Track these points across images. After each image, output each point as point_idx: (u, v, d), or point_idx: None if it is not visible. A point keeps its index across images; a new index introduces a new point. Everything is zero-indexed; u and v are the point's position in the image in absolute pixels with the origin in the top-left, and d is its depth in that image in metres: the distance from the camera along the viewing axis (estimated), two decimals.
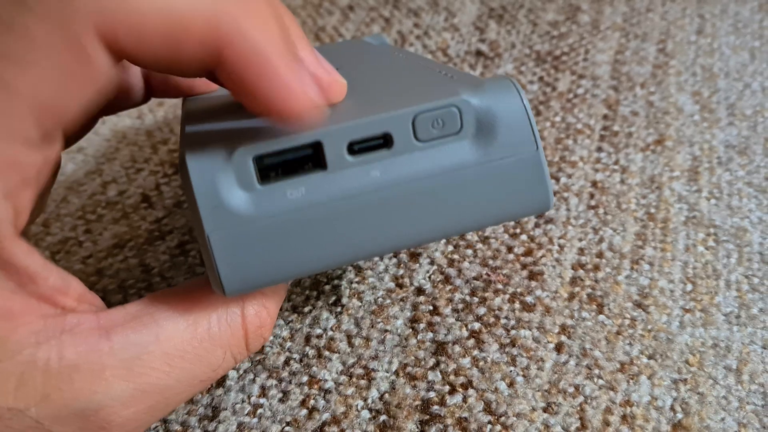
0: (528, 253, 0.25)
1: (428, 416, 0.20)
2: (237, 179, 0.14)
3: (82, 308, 0.14)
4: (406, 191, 0.15)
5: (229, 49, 0.13)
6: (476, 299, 0.23)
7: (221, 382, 0.21)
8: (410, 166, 0.15)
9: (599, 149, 0.29)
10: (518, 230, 0.26)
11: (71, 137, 0.18)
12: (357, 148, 0.15)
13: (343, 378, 0.21)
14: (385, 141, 0.15)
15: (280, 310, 0.23)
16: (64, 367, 0.13)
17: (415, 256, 0.25)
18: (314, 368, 0.21)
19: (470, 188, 0.15)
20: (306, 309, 0.23)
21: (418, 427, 0.20)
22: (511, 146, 0.16)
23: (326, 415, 0.20)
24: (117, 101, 0.21)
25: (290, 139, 0.14)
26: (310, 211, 0.14)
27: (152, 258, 0.25)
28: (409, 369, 0.21)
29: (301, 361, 0.22)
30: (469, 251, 0.25)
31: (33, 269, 0.13)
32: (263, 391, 0.21)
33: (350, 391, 0.21)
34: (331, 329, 0.22)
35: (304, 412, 0.20)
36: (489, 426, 0.20)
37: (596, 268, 0.24)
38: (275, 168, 0.14)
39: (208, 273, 0.15)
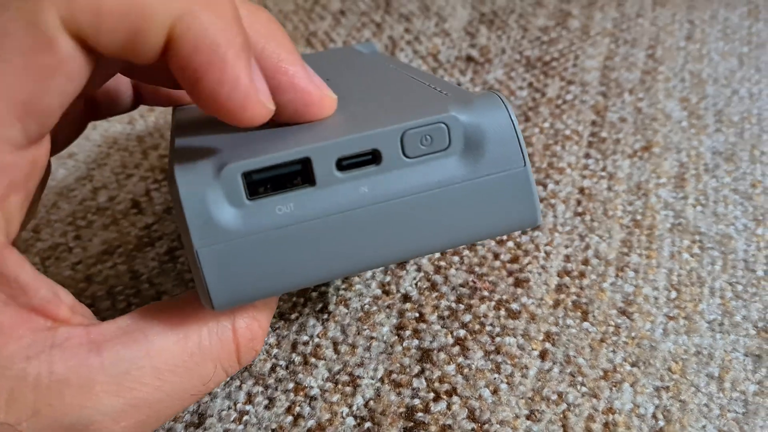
0: (514, 260, 0.25)
1: (412, 423, 0.20)
2: (226, 195, 0.14)
3: (73, 320, 0.14)
4: (395, 207, 0.15)
5: (184, 35, 0.13)
6: (462, 306, 0.23)
7: None
8: (399, 183, 0.15)
9: (587, 155, 0.29)
10: (505, 237, 0.26)
11: (60, 140, 0.18)
12: (346, 164, 0.15)
13: (329, 385, 0.21)
14: (373, 157, 0.15)
15: None
16: (54, 382, 0.13)
17: (401, 263, 0.25)
18: (300, 375, 0.21)
19: (458, 204, 0.16)
20: (293, 316, 0.23)
21: None
22: (499, 162, 0.16)
23: (311, 422, 0.20)
24: (105, 106, 0.21)
25: (279, 154, 0.14)
26: (299, 226, 0.15)
27: (141, 264, 0.25)
28: (394, 376, 0.21)
29: (287, 367, 0.22)
30: (456, 258, 0.25)
31: (24, 281, 0.13)
32: (249, 398, 0.21)
33: (336, 398, 0.21)
34: (318, 336, 0.23)
35: (290, 418, 0.20)
36: None
37: (582, 275, 0.24)
38: (264, 183, 0.15)
39: (197, 287, 0.15)
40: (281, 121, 0.16)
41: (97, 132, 0.33)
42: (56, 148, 0.18)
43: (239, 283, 0.15)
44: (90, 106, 0.20)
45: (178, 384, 0.15)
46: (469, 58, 0.35)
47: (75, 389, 0.13)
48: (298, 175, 0.15)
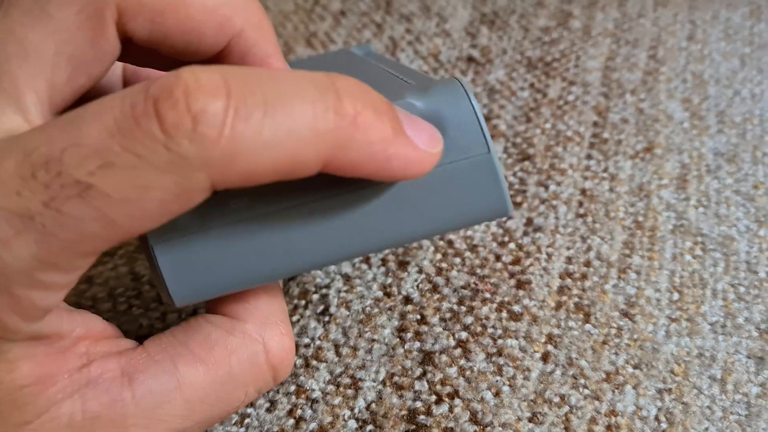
0: (516, 261, 0.25)
1: (414, 426, 0.20)
2: None
3: (102, 346, 0.15)
4: (353, 198, 0.15)
5: (341, 159, 0.13)
6: (464, 308, 0.23)
7: None
8: None
9: (589, 157, 0.29)
10: (507, 239, 0.26)
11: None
12: None
13: (331, 387, 0.21)
14: None
15: None
16: (87, 420, 0.14)
17: (403, 265, 0.25)
18: (302, 378, 0.21)
19: (422, 193, 0.15)
20: (294, 318, 0.23)
21: None
22: (461, 149, 0.15)
23: (313, 425, 0.20)
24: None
25: None
26: (255, 220, 0.14)
27: (142, 266, 0.25)
28: (396, 378, 0.21)
29: None
30: (458, 260, 0.25)
31: (61, 330, 0.14)
32: (251, 401, 0.21)
33: (337, 400, 0.21)
34: (319, 339, 0.23)
35: (291, 421, 0.20)
36: None
37: (584, 277, 0.24)
38: None
39: (157, 285, 0.15)
40: None
41: None
42: None
43: (197, 278, 0.14)
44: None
45: (208, 412, 0.15)
46: (470, 59, 0.35)
47: (107, 424, 0.14)
48: None
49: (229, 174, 0.12)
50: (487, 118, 0.31)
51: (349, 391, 0.21)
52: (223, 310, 0.16)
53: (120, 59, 0.16)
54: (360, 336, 0.23)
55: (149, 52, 0.15)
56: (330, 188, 0.15)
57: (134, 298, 0.24)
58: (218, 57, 0.16)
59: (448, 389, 0.21)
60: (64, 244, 0.11)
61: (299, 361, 0.22)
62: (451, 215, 0.16)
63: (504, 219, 0.26)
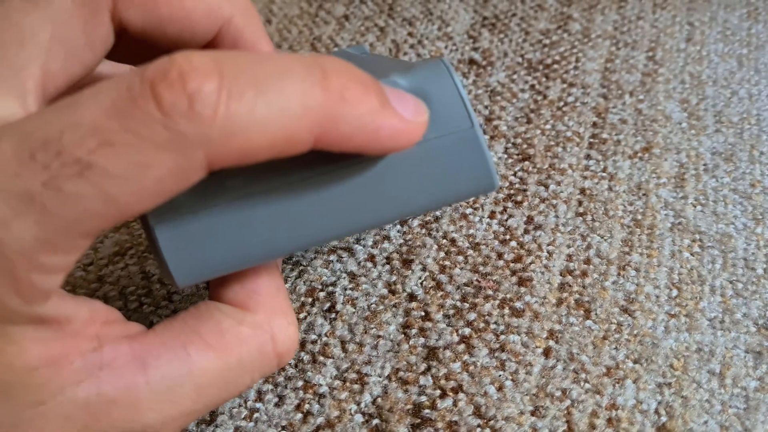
0: (518, 259, 0.25)
1: (419, 420, 0.20)
2: None
3: (112, 331, 0.15)
4: (346, 174, 0.15)
5: (331, 133, 0.13)
6: (467, 305, 0.24)
7: None
8: None
9: (588, 157, 0.30)
10: (508, 237, 0.26)
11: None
12: None
13: (337, 383, 0.22)
14: None
15: None
16: (102, 402, 0.14)
17: (407, 263, 0.25)
18: (309, 373, 0.22)
19: (410, 168, 0.16)
20: (301, 315, 0.24)
21: (409, 431, 0.20)
22: (444, 124, 0.16)
23: (320, 419, 0.21)
24: None
25: None
26: (252, 197, 0.15)
27: (152, 265, 0.26)
28: (401, 374, 0.22)
29: (296, 366, 0.22)
30: (461, 258, 0.25)
31: (67, 313, 0.14)
32: (259, 396, 0.21)
33: (344, 395, 0.21)
34: (326, 335, 0.23)
35: (299, 416, 0.21)
36: (478, 429, 0.20)
37: (584, 274, 0.25)
38: None
39: (159, 268, 0.15)
40: None
41: None
42: None
43: (198, 258, 0.15)
44: None
45: (216, 396, 0.16)
46: (472, 61, 0.36)
47: (121, 407, 0.14)
48: None
49: (225, 151, 0.12)
50: (488, 120, 0.32)
51: (356, 386, 0.21)
52: (231, 299, 0.16)
53: (112, 52, 0.16)
54: (366, 332, 0.23)
55: (141, 45, 0.16)
56: (322, 165, 0.15)
57: (145, 296, 0.25)
58: (210, 45, 0.16)
59: (452, 384, 0.21)
60: (65, 223, 0.12)
61: (306, 357, 0.22)
62: (439, 189, 0.16)
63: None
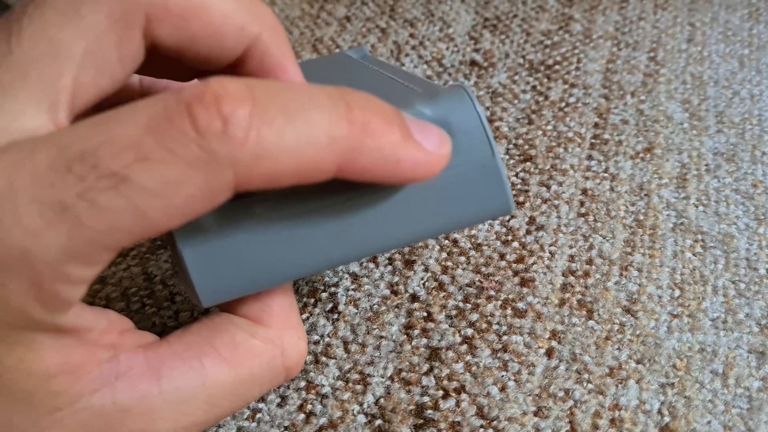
0: (520, 260, 0.25)
1: (422, 420, 0.20)
2: None
3: (127, 341, 0.15)
4: (369, 199, 0.16)
5: (354, 163, 0.14)
6: (469, 306, 0.24)
7: None
8: None
9: (590, 157, 0.30)
10: (510, 237, 0.26)
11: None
12: None
13: (340, 383, 0.22)
14: None
15: None
16: (117, 411, 0.14)
17: (409, 264, 0.25)
18: (312, 374, 0.22)
19: (431, 194, 0.16)
20: (304, 316, 0.24)
21: (412, 431, 0.20)
22: (466, 153, 0.16)
23: (323, 420, 0.21)
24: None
25: None
26: (278, 221, 0.15)
27: (154, 266, 0.26)
28: (403, 374, 0.22)
29: None
30: (463, 258, 0.25)
31: (86, 323, 0.14)
32: (262, 397, 0.21)
33: (346, 396, 0.21)
34: (328, 336, 0.23)
35: (302, 416, 0.21)
36: (481, 430, 0.20)
37: (586, 274, 0.25)
38: None
39: (183, 285, 0.16)
40: None
41: None
42: None
43: (224, 279, 0.15)
44: None
45: (227, 407, 0.16)
46: (473, 63, 0.36)
47: (135, 416, 0.14)
48: None
49: (253, 174, 0.12)
50: (490, 121, 0.32)
51: (358, 387, 0.21)
52: (244, 313, 0.17)
53: (142, 67, 0.16)
54: (368, 333, 0.23)
55: (171, 62, 0.16)
56: (346, 192, 0.16)
57: (147, 297, 0.25)
58: (238, 61, 0.16)
59: (454, 384, 0.21)
60: (94, 235, 0.12)
61: (309, 358, 0.22)
62: (458, 214, 0.17)
63: (507, 216, 0.27)
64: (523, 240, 0.26)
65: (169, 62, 0.16)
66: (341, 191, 0.16)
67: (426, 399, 0.21)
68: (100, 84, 0.15)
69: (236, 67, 0.16)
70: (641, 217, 0.27)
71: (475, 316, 0.23)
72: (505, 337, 0.23)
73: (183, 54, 0.16)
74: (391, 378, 0.22)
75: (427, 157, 0.14)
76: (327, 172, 0.13)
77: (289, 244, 0.15)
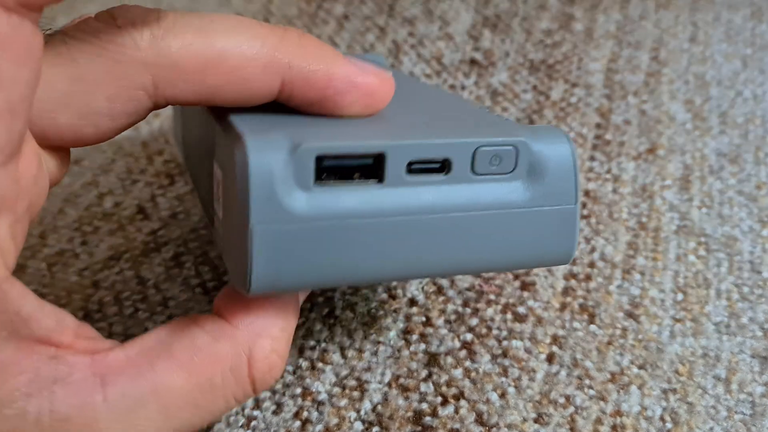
0: None
1: (420, 427, 0.20)
2: (295, 175, 0.13)
3: (78, 345, 0.14)
4: (453, 220, 0.15)
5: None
6: (469, 310, 0.23)
7: None
8: (462, 196, 0.15)
9: (592, 158, 0.29)
10: None
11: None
12: (415, 167, 0.15)
13: (336, 389, 0.21)
14: (443, 166, 0.15)
15: None
16: (55, 421, 0.13)
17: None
18: (307, 380, 0.21)
19: (510, 229, 0.16)
20: (299, 321, 0.23)
21: None
22: (554, 196, 0.16)
23: (319, 427, 0.20)
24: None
25: (356, 144, 0.14)
26: (359, 221, 0.14)
27: (148, 270, 0.26)
28: (401, 380, 0.21)
29: (294, 372, 0.22)
30: None
31: (27, 313, 0.13)
32: (257, 404, 0.21)
33: (343, 402, 0.21)
34: (325, 341, 0.23)
35: (298, 423, 0.20)
36: None
37: (588, 278, 0.24)
38: (333, 171, 0.14)
39: (232, 268, 0.14)
40: (355, 117, 0.16)
41: None
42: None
43: (284, 269, 0.14)
44: None
45: (187, 420, 0.14)
46: (473, 62, 0.35)
47: (78, 427, 0.13)
48: (367, 169, 0.14)
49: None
50: None
51: (355, 393, 0.21)
52: (223, 308, 0.15)
53: None
54: (365, 338, 0.23)
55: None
56: (434, 204, 0.15)
57: (140, 302, 0.24)
58: (282, 95, 0.15)
59: (453, 390, 0.21)
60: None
61: (305, 364, 0.22)
62: (528, 253, 0.16)
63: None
64: None
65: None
66: (429, 202, 0.15)
67: (424, 405, 0.21)
68: (81, 129, 0.14)
69: (284, 100, 0.16)
70: (644, 220, 0.26)
71: (474, 321, 0.23)
72: (505, 342, 0.22)
73: (206, 102, 0.15)
74: (389, 384, 0.21)
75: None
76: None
77: (363, 247, 0.15)
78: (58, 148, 0.15)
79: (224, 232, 0.15)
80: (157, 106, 0.15)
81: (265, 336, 0.15)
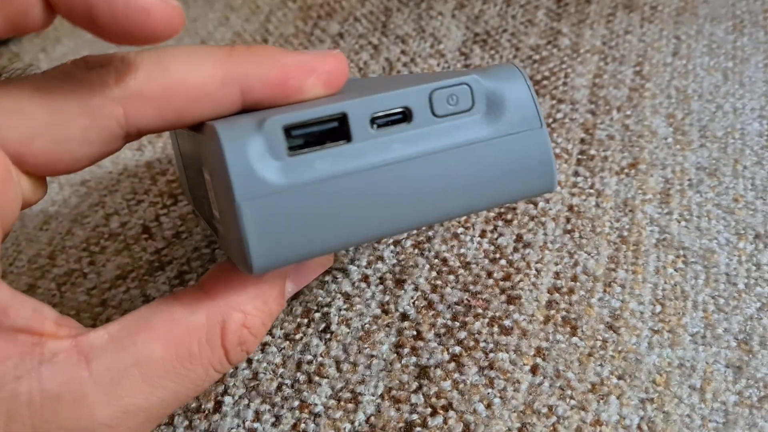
0: (507, 277, 0.26)
1: None
2: (267, 148, 0.14)
3: (60, 332, 0.15)
4: (425, 163, 0.16)
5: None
6: (457, 324, 0.25)
7: (218, 407, 0.23)
8: (428, 140, 0.16)
9: (576, 173, 0.30)
10: (498, 255, 0.27)
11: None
12: (379, 121, 0.16)
13: (332, 402, 0.22)
14: (404, 115, 0.16)
15: (273, 336, 0.25)
16: (46, 399, 0.14)
17: (400, 282, 0.26)
18: (305, 393, 0.23)
19: (483, 163, 0.17)
20: (297, 336, 0.25)
21: None
22: (517, 123, 0.17)
23: None
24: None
25: (318, 109, 0.15)
26: (337, 181, 0.15)
27: (153, 288, 0.27)
28: (393, 392, 0.23)
29: (292, 386, 0.23)
30: (452, 277, 0.26)
31: (4, 303, 0.14)
32: (257, 416, 0.22)
33: (338, 414, 0.22)
34: (321, 355, 0.24)
35: None
36: None
37: (571, 291, 0.25)
38: (302, 139, 0.15)
39: (231, 251, 0.15)
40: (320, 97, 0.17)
41: (108, 159, 0.35)
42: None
43: (280, 242, 0.15)
44: None
45: (171, 389, 0.15)
46: None
47: (68, 404, 0.14)
48: (334, 132, 0.15)
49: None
50: None
51: (350, 405, 0.22)
52: (206, 283, 0.17)
53: None
54: (359, 352, 0.24)
55: None
56: (403, 152, 0.16)
57: None
58: (247, 103, 0.17)
59: (442, 402, 0.22)
60: None
61: (302, 377, 0.23)
62: (507, 186, 0.17)
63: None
64: (510, 258, 0.27)
65: None
66: (398, 151, 0.16)
67: (415, 417, 0.22)
68: (58, 156, 0.15)
69: (253, 106, 0.17)
70: (625, 233, 0.27)
71: (463, 334, 0.24)
72: (491, 355, 0.23)
73: (177, 125, 0.16)
74: (382, 396, 0.23)
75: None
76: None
77: (346, 205, 0.15)
78: (34, 173, 0.16)
79: (223, 228, 0.16)
80: (130, 136, 0.16)
81: (238, 310, 0.16)
